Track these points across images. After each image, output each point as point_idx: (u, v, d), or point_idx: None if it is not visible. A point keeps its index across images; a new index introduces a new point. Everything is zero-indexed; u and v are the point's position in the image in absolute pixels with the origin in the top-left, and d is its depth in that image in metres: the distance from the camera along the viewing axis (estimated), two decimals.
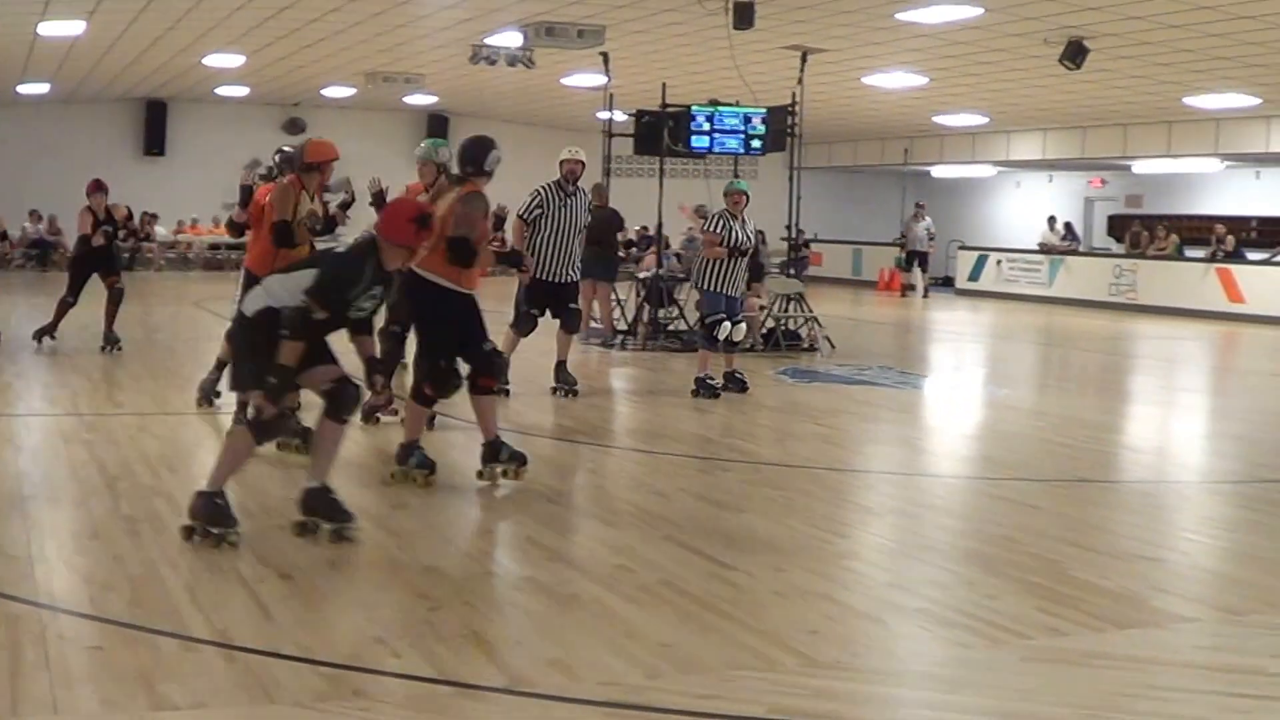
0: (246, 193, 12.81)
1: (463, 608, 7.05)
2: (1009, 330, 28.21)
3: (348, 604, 7.08)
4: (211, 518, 8.09)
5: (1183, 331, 27.38)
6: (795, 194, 22.28)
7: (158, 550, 7.94)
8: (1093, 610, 7.38)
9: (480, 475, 10.19)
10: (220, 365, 12.76)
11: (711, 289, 15.16)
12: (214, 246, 36.97)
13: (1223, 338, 27.55)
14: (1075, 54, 22.22)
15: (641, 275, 22.00)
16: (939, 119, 34.96)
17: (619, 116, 22.69)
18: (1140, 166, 37.06)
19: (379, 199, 11.89)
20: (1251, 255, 33.11)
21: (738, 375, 15.63)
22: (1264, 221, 36.60)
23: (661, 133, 21.11)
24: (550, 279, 14.67)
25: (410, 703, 5.72)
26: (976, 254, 38.52)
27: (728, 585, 7.68)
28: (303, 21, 23.66)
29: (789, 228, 23.05)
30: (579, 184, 14.93)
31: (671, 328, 21.12)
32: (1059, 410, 15.67)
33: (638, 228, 33.77)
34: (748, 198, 15.37)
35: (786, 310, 21.45)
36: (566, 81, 29.95)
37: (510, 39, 23.87)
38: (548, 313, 14.87)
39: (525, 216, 14.73)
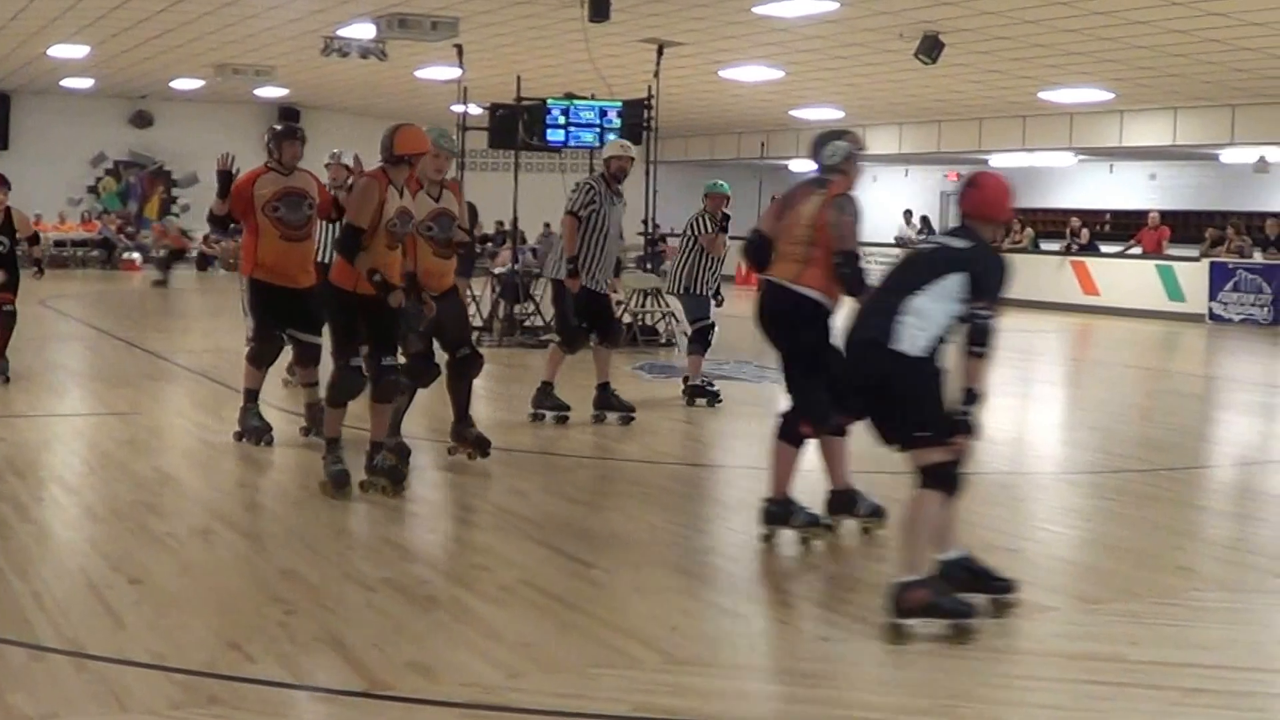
0: (226, 180, 11.54)
1: (319, 611, 6.97)
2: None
3: (201, 609, 6.96)
4: (937, 608, 6.84)
5: (1038, 324, 27.67)
6: (652, 188, 22.28)
7: (4, 558, 7.79)
8: None
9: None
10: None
11: (696, 291, 15.11)
12: (59, 244, 36.55)
13: (1078, 330, 27.94)
14: (931, 49, 22.39)
15: (497, 271, 21.93)
16: (796, 113, 35.11)
17: (473, 110, 22.61)
18: (996, 160, 37.41)
19: (225, 178, 11.57)
20: (1105, 248, 33.57)
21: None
22: (1117, 215, 37.15)
23: (516, 126, 21.06)
24: (594, 287, 13.24)
25: (267, 709, 5.66)
26: None
27: (588, 583, 7.67)
28: (150, 11, 23.32)
29: (645, 222, 23.04)
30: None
31: (528, 324, 21.06)
32: None
33: (494, 222, 33.73)
34: (728, 199, 15.45)
35: (643, 305, 21.46)
36: (420, 74, 29.77)
37: (363, 31, 23.67)
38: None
39: (579, 213, 13.15)
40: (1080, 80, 27.37)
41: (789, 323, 8.57)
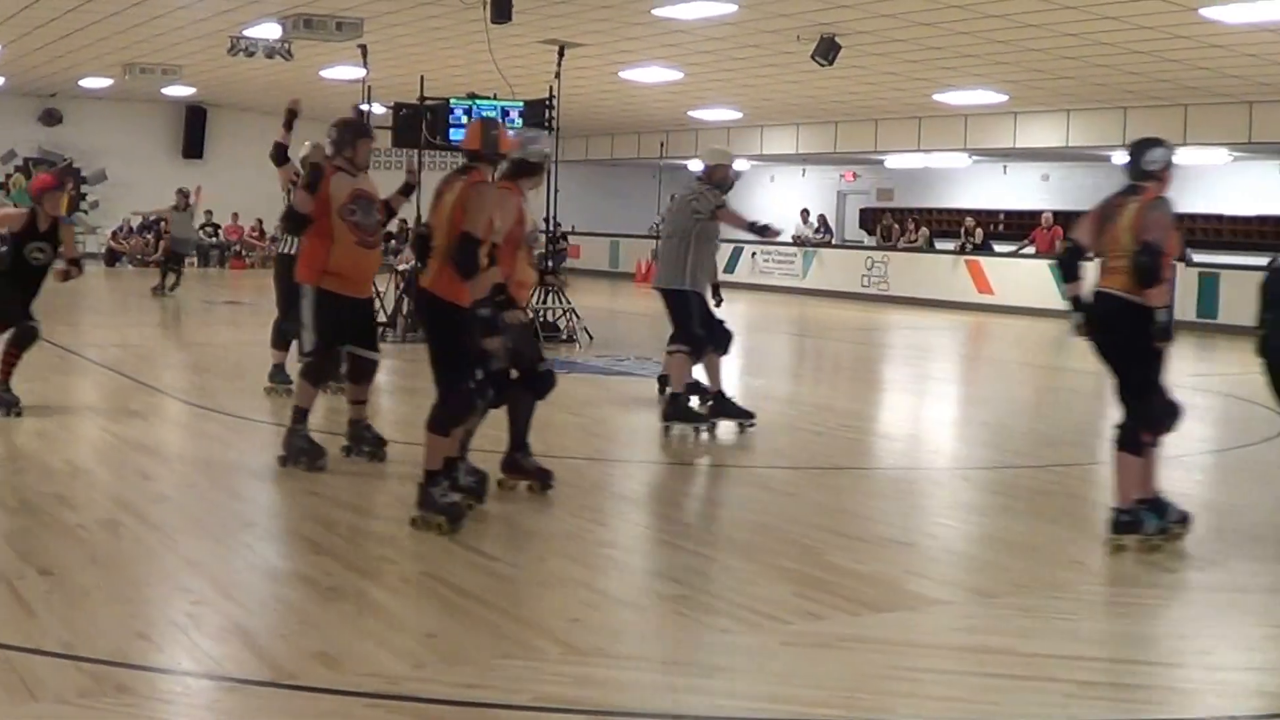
0: (316, 173, 10.55)
1: (225, 602, 7.02)
2: (764, 321, 28.53)
3: (110, 599, 6.98)
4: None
5: (933, 322, 27.92)
6: (553, 187, 22.33)
7: None
8: (848, 594, 7.56)
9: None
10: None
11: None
12: None
13: (972, 328, 28.17)
14: (827, 50, 22.58)
15: (401, 268, 21.92)
16: (695, 113, 35.26)
17: (377, 109, 22.62)
18: (891, 161, 37.73)
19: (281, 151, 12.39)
20: (999, 248, 33.89)
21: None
22: (1011, 215, 37.48)
23: (420, 126, 21.09)
24: (703, 294, 13.30)
25: (174, 698, 5.71)
26: (731, 246, 38.90)
27: (490, 575, 7.75)
28: (59, 10, 23.21)
29: (547, 220, 23.11)
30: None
31: None
32: (813, 399, 15.97)
33: (397, 220, 33.64)
34: None
35: (545, 302, 21.51)
36: (325, 74, 29.75)
37: (268, 31, 23.65)
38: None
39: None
40: (975, 82, 27.64)
41: (1122, 332, 8.74)
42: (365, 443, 10.99)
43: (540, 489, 9.97)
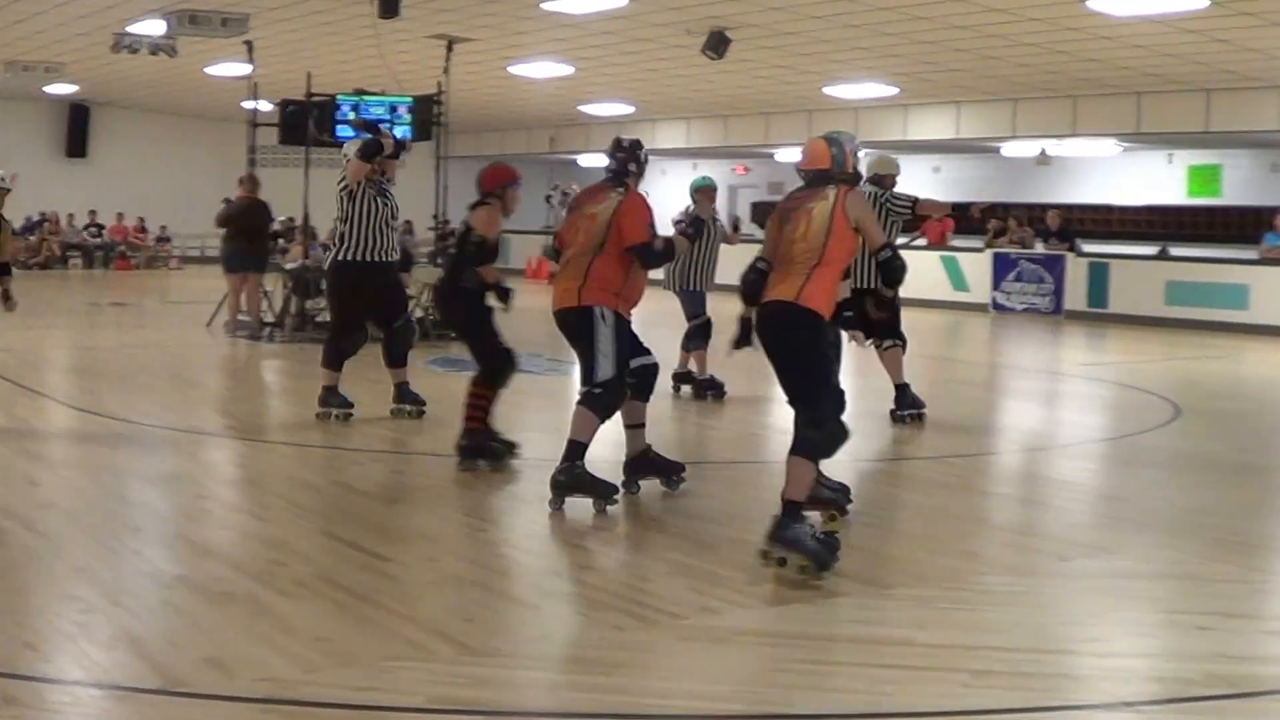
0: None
1: (115, 609, 6.91)
2: (657, 316, 28.51)
3: None
4: None
5: None
6: (442, 183, 22.27)
7: None
8: (745, 588, 7.56)
9: None
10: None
11: (694, 288, 15.33)
12: None
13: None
14: (717, 44, 22.59)
15: (288, 267, 21.75)
16: (585, 108, 35.21)
17: (264, 106, 22.43)
18: (782, 154, 37.77)
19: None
20: None
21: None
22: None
23: (307, 122, 20.94)
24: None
25: (63, 708, 5.60)
26: None
27: (382, 576, 7.67)
28: None
29: (435, 217, 23.04)
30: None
31: (320, 319, 20.93)
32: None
33: (284, 218, 33.41)
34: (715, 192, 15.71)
35: (434, 299, 21.39)
36: (210, 70, 29.45)
37: (153, 27, 23.38)
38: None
39: None
40: (865, 75, 27.76)
41: None
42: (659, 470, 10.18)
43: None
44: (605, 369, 9.36)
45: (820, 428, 8.09)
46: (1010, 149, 32.84)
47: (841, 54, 24.90)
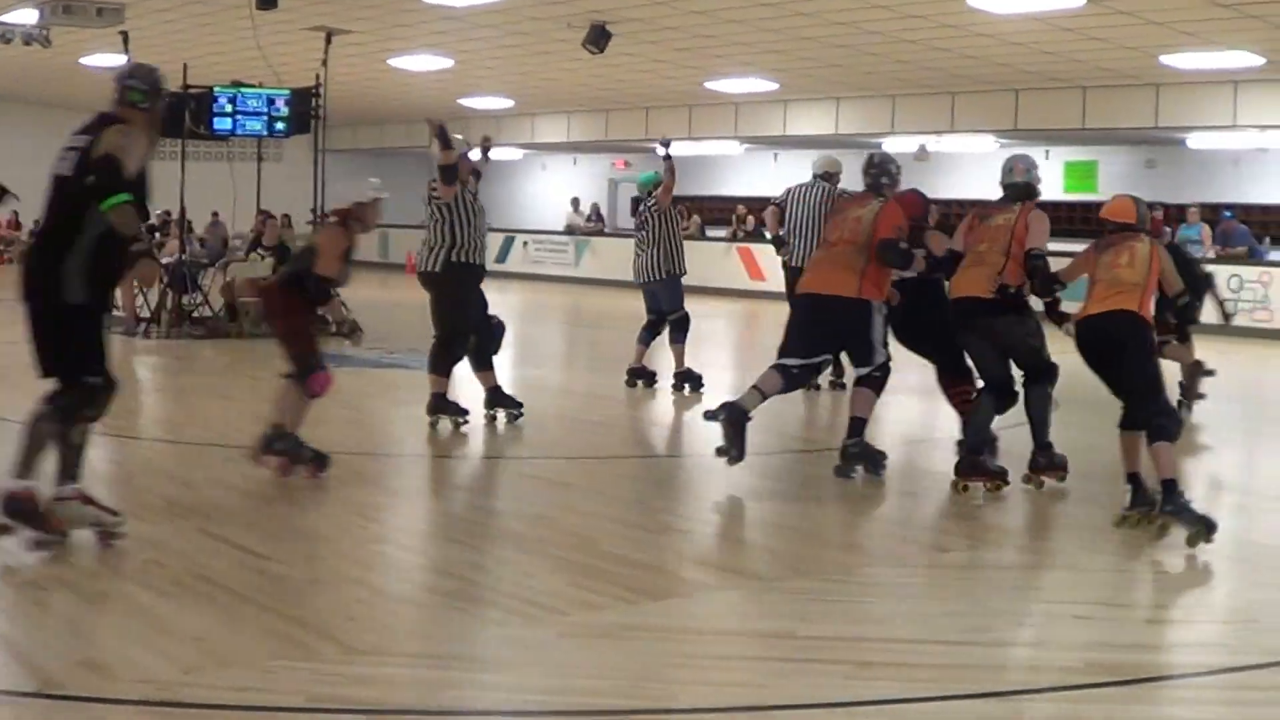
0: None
1: None
2: (537, 311, 28.54)
3: None
4: None
5: (707, 309, 28.01)
6: (320, 177, 22.12)
7: None
8: (626, 583, 7.54)
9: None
10: None
11: (671, 277, 15.45)
12: None
13: (745, 314, 28.39)
14: (598, 38, 22.57)
15: (165, 261, 21.53)
16: (465, 101, 35.08)
17: None
18: (708, 147, 37.85)
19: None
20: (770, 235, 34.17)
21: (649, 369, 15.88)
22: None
23: (183, 115, 20.72)
24: None
25: None
26: (503, 236, 38.93)
27: (262, 575, 7.59)
28: None
29: (314, 211, 22.88)
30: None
31: (196, 314, 20.76)
32: (587, 388, 15.96)
33: (160, 212, 33.10)
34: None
35: None
36: (86, 61, 29.07)
37: (26, 16, 23.03)
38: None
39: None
40: (746, 70, 27.84)
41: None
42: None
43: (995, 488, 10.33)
44: (880, 354, 10.86)
45: (1171, 415, 9.47)
46: (890, 145, 33.02)
47: (722, 49, 24.96)
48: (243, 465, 10.72)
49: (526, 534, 8.77)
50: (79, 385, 7.98)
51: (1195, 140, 28.38)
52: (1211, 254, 25.51)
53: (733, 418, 10.41)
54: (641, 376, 15.49)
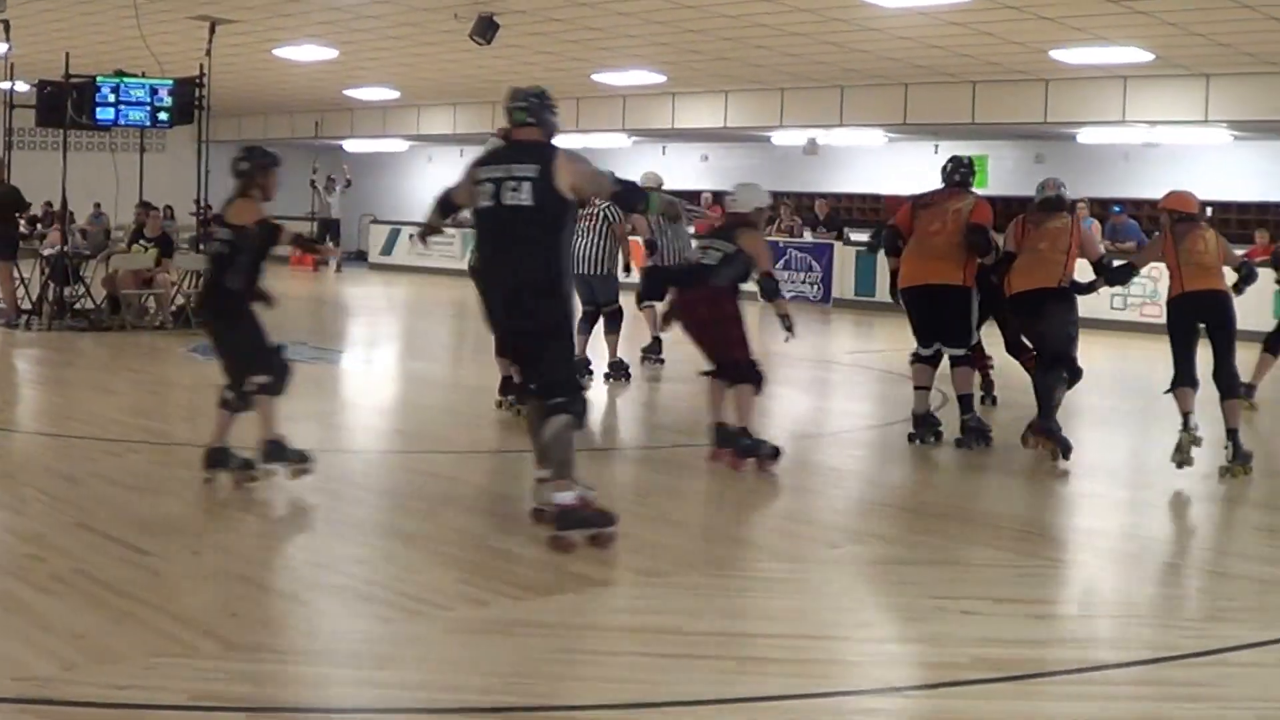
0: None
1: None
2: (423, 304, 28.41)
3: None
4: None
5: None
6: (204, 168, 21.92)
7: None
8: (513, 579, 7.50)
9: None
10: None
11: (606, 272, 15.51)
12: None
13: (636, 310, 28.30)
14: (485, 29, 22.46)
15: (46, 252, 21.26)
16: (350, 92, 34.87)
17: (21, 87, 21.90)
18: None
19: None
20: None
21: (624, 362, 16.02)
22: (671, 195, 37.83)
23: (65, 104, 20.46)
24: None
25: None
26: (389, 228, 38.76)
27: (143, 570, 7.48)
28: None
29: (197, 202, 22.68)
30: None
31: (78, 306, 20.51)
32: (474, 383, 15.82)
33: (42, 202, 32.77)
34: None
35: (196, 286, 21.05)
36: None
37: None
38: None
39: None
40: (633, 63, 27.79)
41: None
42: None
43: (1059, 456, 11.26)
44: (975, 334, 12.46)
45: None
46: (779, 138, 33.10)
47: (610, 41, 24.92)
48: (123, 459, 10.58)
49: (413, 529, 8.71)
50: None
51: (1085, 135, 28.57)
52: (1102, 249, 25.71)
53: (917, 425, 12.15)
54: (621, 369, 15.67)
